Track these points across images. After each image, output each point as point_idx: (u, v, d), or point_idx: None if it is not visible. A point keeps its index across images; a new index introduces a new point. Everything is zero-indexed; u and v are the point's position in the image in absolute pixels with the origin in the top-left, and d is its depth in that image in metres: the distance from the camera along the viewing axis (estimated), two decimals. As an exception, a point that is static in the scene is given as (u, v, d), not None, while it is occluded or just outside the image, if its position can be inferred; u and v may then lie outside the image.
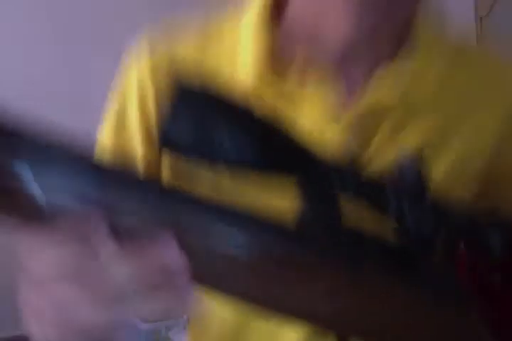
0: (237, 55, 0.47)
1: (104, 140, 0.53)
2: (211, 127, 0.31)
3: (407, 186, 0.33)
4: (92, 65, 1.69)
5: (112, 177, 0.30)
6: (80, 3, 1.69)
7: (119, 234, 0.28)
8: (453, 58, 0.49)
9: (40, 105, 1.65)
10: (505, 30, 2.43)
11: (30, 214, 0.29)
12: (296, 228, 0.34)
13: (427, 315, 0.35)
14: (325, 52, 0.46)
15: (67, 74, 1.66)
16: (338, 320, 0.35)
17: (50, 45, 1.65)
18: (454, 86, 0.49)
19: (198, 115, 0.31)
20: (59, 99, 1.64)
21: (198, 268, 0.30)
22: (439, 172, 0.47)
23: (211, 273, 0.32)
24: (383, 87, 0.45)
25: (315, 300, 0.34)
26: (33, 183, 0.28)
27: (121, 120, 0.52)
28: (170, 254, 0.28)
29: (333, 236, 0.34)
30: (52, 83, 1.64)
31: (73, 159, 0.30)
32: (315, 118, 0.45)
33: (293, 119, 0.39)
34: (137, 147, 0.50)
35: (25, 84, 1.62)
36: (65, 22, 1.67)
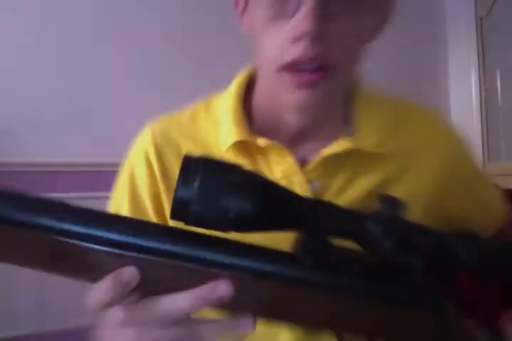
0: (219, 125, 0.60)
1: (121, 211, 0.62)
2: (217, 194, 0.35)
3: (385, 219, 0.38)
4: (92, 66, 1.69)
5: (141, 227, 0.37)
6: (80, 4, 1.69)
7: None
8: (394, 115, 0.62)
9: (40, 105, 1.65)
10: (505, 30, 2.43)
11: (83, 266, 0.35)
12: (291, 253, 0.39)
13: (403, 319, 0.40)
14: (282, 132, 0.59)
15: (67, 74, 1.66)
16: (334, 324, 0.39)
17: (52, 45, 1.65)
18: (397, 140, 0.60)
19: (205, 183, 0.34)
20: (59, 99, 1.64)
21: None
22: None
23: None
24: (336, 144, 0.58)
25: (311, 310, 0.38)
26: (79, 239, 0.34)
27: (133, 190, 0.62)
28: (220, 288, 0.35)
29: (324, 257, 0.39)
30: (53, 83, 1.64)
31: (106, 214, 0.37)
32: (282, 171, 0.58)
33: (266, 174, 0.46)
34: (151, 214, 0.61)
35: (25, 85, 1.62)
36: (68, 24, 1.67)
